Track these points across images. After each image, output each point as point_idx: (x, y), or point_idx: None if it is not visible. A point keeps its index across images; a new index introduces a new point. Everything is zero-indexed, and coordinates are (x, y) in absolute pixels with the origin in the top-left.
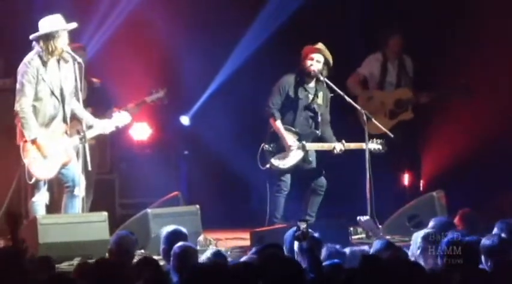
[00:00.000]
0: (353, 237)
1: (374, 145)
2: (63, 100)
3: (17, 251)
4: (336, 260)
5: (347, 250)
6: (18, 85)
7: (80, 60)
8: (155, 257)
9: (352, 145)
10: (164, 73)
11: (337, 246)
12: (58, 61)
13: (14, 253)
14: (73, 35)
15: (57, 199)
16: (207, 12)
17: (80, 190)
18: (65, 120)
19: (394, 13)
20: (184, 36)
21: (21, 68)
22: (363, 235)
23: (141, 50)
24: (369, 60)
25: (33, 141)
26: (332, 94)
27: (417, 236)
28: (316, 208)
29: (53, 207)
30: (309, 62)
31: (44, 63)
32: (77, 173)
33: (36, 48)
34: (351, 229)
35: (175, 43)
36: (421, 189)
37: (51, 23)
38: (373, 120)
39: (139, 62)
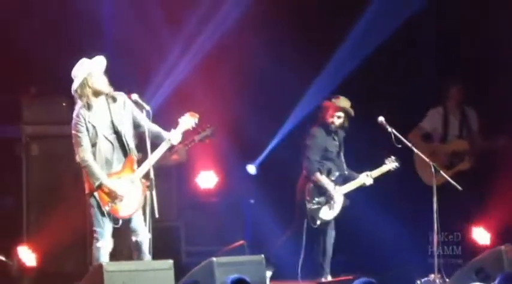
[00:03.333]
0: None
1: (392, 164)
2: (119, 139)
3: None
4: None
5: None
6: (73, 139)
7: (148, 107)
8: None
9: (375, 173)
10: (231, 122)
11: None
12: (107, 100)
13: None
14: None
15: (119, 246)
16: (273, 61)
17: (142, 237)
18: (125, 155)
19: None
20: (252, 85)
21: (72, 122)
22: None
23: (207, 98)
24: (431, 114)
25: (101, 185)
26: (400, 146)
27: None
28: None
29: (115, 254)
30: (336, 121)
31: (91, 109)
32: (140, 219)
33: (77, 100)
34: (418, 282)
35: (243, 92)
36: (489, 242)
37: (78, 70)
38: (442, 172)
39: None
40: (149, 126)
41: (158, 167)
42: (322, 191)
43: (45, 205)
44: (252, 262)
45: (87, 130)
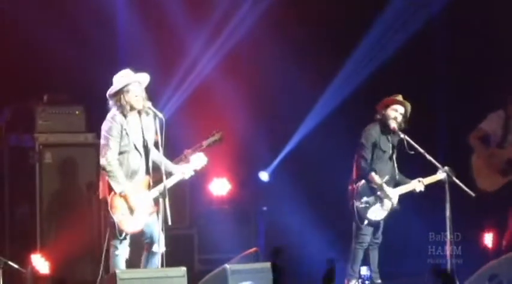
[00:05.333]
0: None
1: (443, 174)
2: (146, 153)
3: None
4: None
5: None
6: (102, 140)
7: (160, 115)
8: None
9: (428, 180)
10: (244, 129)
11: None
12: (139, 113)
13: None
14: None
15: (135, 254)
16: (284, 69)
17: (159, 247)
18: (148, 172)
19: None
20: (265, 92)
21: (105, 124)
22: None
23: (220, 107)
24: (491, 117)
25: (122, 193)
26: (413, 152)
27: None
28: (377, 263)
29: (131, 262)
30: (392, 113)
31: (126, 118)
32: (156, 229)
33: (112, 105)
34: None
35: (257, 99)
36: (503, 247)
37: (118, 78)
38: (454, 178)
39: (219, 117)
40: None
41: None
42: (373, 191)
43: (58, 213)
44: (265, 269)
45: (121, 136)
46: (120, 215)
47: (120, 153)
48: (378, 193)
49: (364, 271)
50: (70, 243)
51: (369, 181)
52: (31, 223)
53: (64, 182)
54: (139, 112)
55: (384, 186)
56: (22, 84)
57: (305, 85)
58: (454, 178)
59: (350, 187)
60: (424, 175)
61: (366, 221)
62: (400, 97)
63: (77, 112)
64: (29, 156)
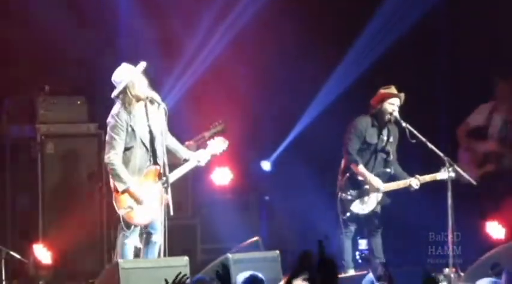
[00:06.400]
0: None
1: (446, 173)
2: (152, 145)
3: None
4: None
5: None
6: (107, 137)
7: (163, 105)
8: None
9: (427, 178)
10: (246, 118)
11: None
12: (145, 105)
13: None
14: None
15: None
16: (289, 58)
17: (158, 237)
18: (156, 163)
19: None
20: (267, 82)
21: (110, 121)
22: (445, 283)
23: (223, 95)
24: (479, 109)
25: (126, 191)
26: (414, 141)
27: None
28: (381, 249)
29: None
30: (389, 107)
31: (130, 113)
32: (158, 219)
33: (118, 101)
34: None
35: (259, 88)
36: (504, 236)
37: (121, 76)
38: (456, 166)
39: (222, 106)
40: (170, 140)
41: (171, 164)
42: (360, 183)
43: (60, 203)
44: (267, 258)
45: (127, 133)
46: (126, 209)
47: (126, 149)
48: (366, 186)
49: (363, 245)
50: (72, 233)
51: (354, 172)
52: (33, 214)
53: (66, 172)
54: (145, 102)
55: (367, 175)
56: (23, 75)
57: (307, 76)
58: (456, 166)
59: (339, 178)
60: (426, 173)
61: (348, 214)
62: (394, 90)
63: (78, 102)
64: (30, 146)
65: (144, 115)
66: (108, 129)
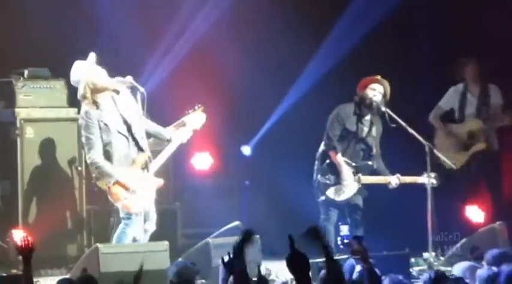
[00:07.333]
0: (414, 268)
1: (428, 179)
2: (131, 133)
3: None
4: None
5: None
6: (83, 139)
7: (142, 89)
8: None
9: (408, 180)
10: (226, 103)
11: (400, 277)
12: (111, 96)
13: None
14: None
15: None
16: (269, 42)
17: (151, 225)
18: (140, 149)
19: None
20: (247, 66)
21: (81, 122)
22: (425, 267)
23: (203, 80)
24: (449, 92)
25: (116, 183)
26: (394, 125)
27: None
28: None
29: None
30: (370, 93)
31: (99, 107)
32: (150, 207)
33: (83, 101)
34: (412, 260)
35: (238, 73)
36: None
37: (76, 75)
38: (435, 151)
39: (201, 90)
40: (148, 124)
41: (152, 150)
42: (333, 170)
43: (40, 188)
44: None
45: (100, 128)
46: (122, 200)
47: (106, 144)
48: (339, 174)
49: (345, 231)
50: (52, 218)
51: (325, 158)
52: (12, 199)
53: (46, 157)
54: (110, 93)
55: (342, 165)
56: (2, 59)
57: (287, 59)
58: (436, 151)
59: (316, 163)
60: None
61: (323, 197)
62: (379, 77)
63: (58, 86)
64: (10, 131)
65: (113, 106)
66: (82, 130)
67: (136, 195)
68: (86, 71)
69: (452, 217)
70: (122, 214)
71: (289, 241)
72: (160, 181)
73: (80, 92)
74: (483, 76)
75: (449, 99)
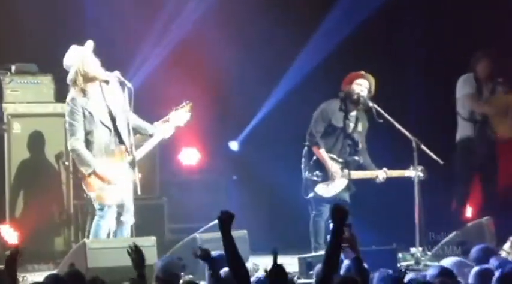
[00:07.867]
0: (402, 264)
1: (415, 172)
2: (114, 125)
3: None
4: None
5: None
6: (66, 125)
7: (129, 85)
8: (203, 283)
9: (395, 173)
10: (213, 98)
11: (390, 271)
12: (100, 86)
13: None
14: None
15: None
16: (257, 38)
17: (128, 217)
18: (121, 142)
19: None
20: (235, 62)
21: (66, 108)
22: (412, 262)
23: (190, 75)
24: (464, 79)
25: (92, 173)
26: (381, 121)
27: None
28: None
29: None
30: (357, 88)
31: (86, 95)
32: (126, 199)
33: (71, 86)
34: (400, 255)
35: (226, 68)
36: (470, 215)
37: (70, 59)
38: (422, 146)
39: (189, 86)
40: (132, 118)
41: (138, 145)
42: (320, 166)
43: (27, 183)
44: (235, 238)
45: (84, 117)
46: (96, 190)
47: (88, 133)
48: (327, 170)
49: None
50: (39, 213)
51: (312, 155)
52: (0, 194)
53: (33, 152)
54: (100, 83)
55: (326, 159)
56: None
57: (275, 55)
58: (423, 146)
59: (303, 160)
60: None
61: (311, 194)
62: (362, 73)
63: (45, 82)
64: None
65: (101, 96)
66: (66, 115)
67: (111, 186)
68: (80, 57)
69: (443, 214)
70: (95, 205)
71: (273, 255)
72: (137, 174)
73: (70, 77)
74: (494, 74)
75: (469, 84)
